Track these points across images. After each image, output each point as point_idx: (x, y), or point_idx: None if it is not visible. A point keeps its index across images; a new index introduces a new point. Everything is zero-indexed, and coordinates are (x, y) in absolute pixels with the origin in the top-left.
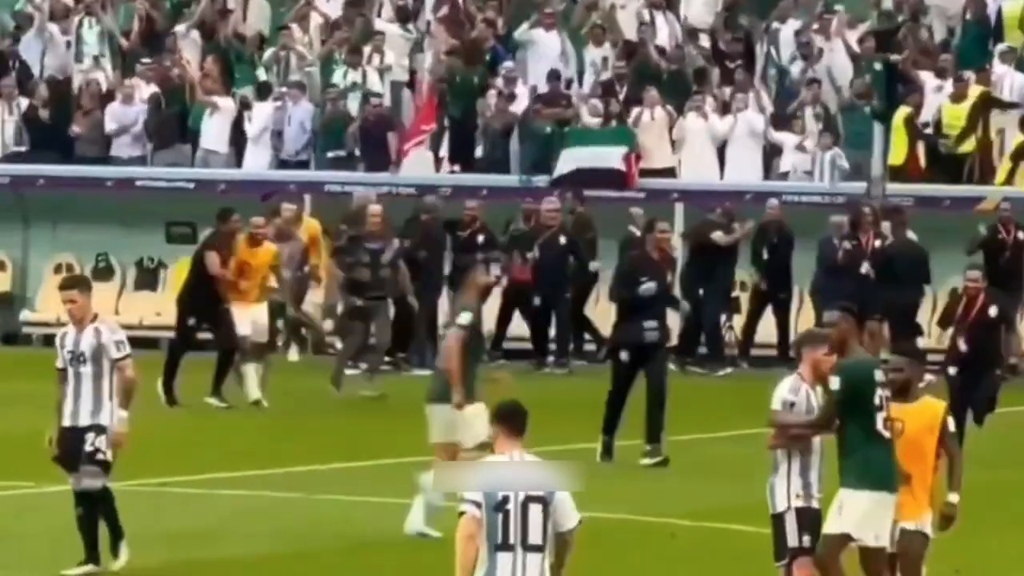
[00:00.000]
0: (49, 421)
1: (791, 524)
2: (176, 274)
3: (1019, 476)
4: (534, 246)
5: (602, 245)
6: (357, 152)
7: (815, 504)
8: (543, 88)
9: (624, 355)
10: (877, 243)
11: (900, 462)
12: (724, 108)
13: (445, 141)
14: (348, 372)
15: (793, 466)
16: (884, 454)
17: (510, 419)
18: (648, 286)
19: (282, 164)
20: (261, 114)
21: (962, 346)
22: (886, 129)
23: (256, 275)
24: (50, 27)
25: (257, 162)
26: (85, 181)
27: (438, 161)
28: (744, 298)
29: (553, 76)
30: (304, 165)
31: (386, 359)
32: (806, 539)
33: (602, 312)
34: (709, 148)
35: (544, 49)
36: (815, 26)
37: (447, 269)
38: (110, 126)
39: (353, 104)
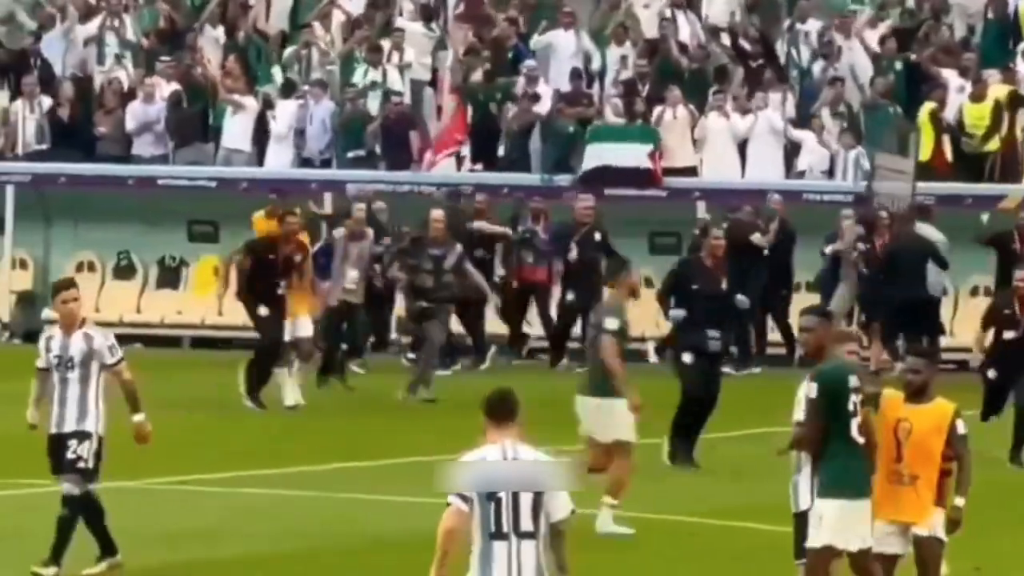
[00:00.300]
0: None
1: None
2: (198, 273)
3: None
4: (570, 244)
5: (627, 243)
6: (378, 150)
7: None
8: (565, 87)
9: (688, 357)
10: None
11: (907, 463)
12: (745, 107)
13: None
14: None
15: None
16: (860, 461)
17: (497, 408)
18: (676, 313)
19: (304, 163)
20: (285, 112)
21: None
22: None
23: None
24: (73, 27)
25: (280, 161)
26: (107, 180)
27: (460, 160)
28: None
29: (575, 75)
30: (327, 164)
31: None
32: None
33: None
34: (731, 147)
35: (564, 50)
36: (835, 23)
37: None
38: (131, 125)
39: (373, 103)
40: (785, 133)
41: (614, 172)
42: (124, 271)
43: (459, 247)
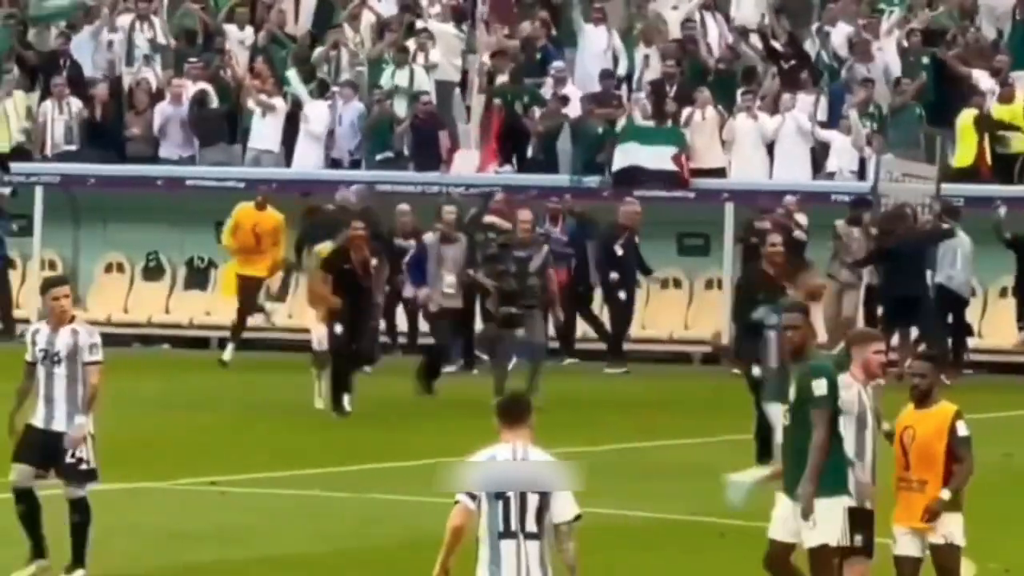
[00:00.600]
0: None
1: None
2: (226, 274)
3: None
4: (615, 246)
5: (656, 244)
6: (406, 151)
7: (868, 504)
8: (593, 87)
9: (757, 371)
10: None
11: (914, 469)
12: (773, 107)
13: (493, 141)
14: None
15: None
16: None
17: (508, 411)
18: (760, 312)
19: (334, 164)
20: (316, 113)
21: None
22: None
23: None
24: (102, 28)
25: (309, 162)
26: (135, 180)
27: (487, 161)
28: None
29: (605, 75)
30: (357, 165)
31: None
32: (857, 538)
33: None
34: (759, 148)
35: (593, 45)
36: (863, 23)
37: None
38: (158, 126)
39: (400, 104)
40: (813, 134)
41: (643, 173)
42: (153, 272)
43: (546, 249)
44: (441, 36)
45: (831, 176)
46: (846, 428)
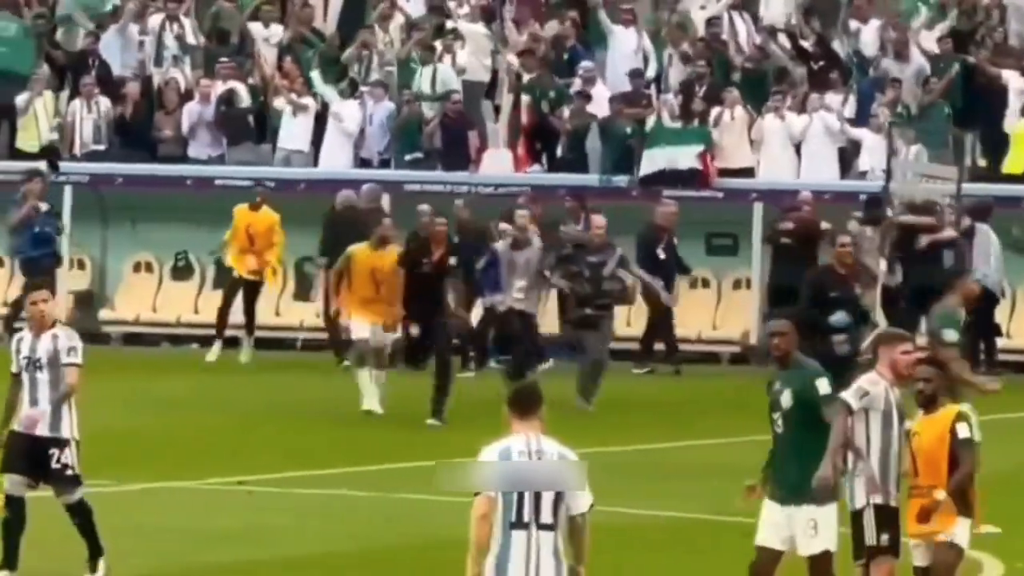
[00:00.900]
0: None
1: (869, 522)
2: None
3: None
4: (657, 249)
5: (684, 244)
6: (437, 145)
7: (893, 502)
8: (623, 88)
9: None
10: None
11: (922, 476)
12: (802, 107)
13: (522, 140)
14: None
15: (874, 462)
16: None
17: (520, 401)
18: (839, 317)
19: (363, 163)
20: (348, 112)
21: None
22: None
23: (387, 283)
24: (130, 27)
25: (337, 162)
26: (164, 180)
27: (517, 161)
28: None
29: (635, 75)
30: (386, 165)
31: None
32: (884, 538)
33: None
34: (787, 148)
35: (623, 46)
36: (893, 24)
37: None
38: (186, 125)
39: (428, 104)
40: (843, 131)
41: (668, 174)
42: (182, 272)
43: (619, 252)
44: (470, 36)
45: (863, 175)
46: (871, 426)
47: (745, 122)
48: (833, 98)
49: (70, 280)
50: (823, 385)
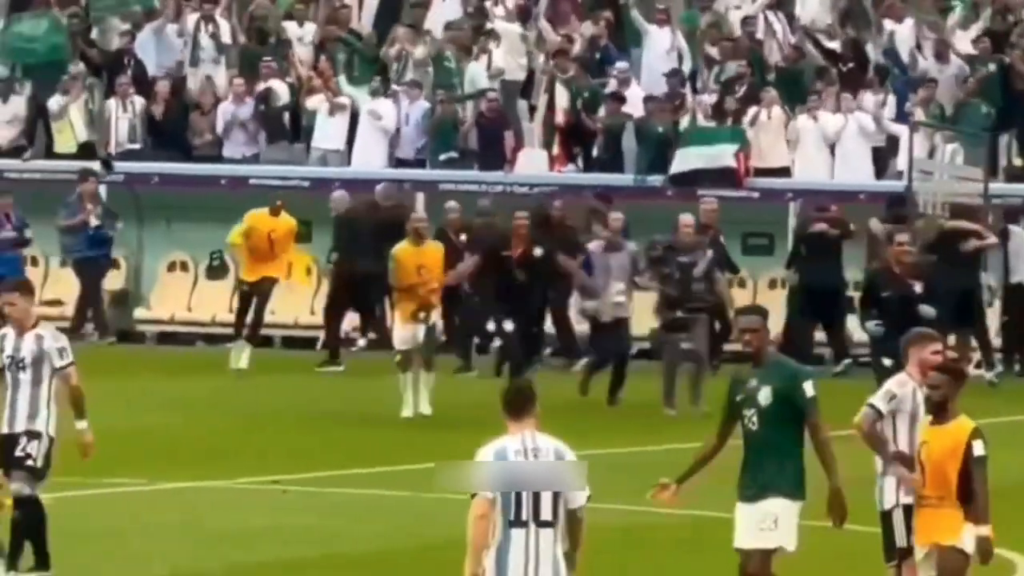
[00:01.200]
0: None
1: (899, 522)
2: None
3: None
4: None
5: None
6: (473, 145)
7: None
8: (658, 88)
9: (888, 362)
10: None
11: (930, 486)
12: (837, 107)
13: (557, 140)
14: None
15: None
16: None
17: (513, 403)
18: (872, 328)
19: (398, 163)
20: (383, 112)
21: None
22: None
23: (433, 275)
24: (166, 27)
25: (375, 160)
26: (199, 179)
27: (552, 160)
28: None
29: (671, 75)
30: (422, 164)
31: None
32: (914, 538)
33: None
34: (822, 148)
35: (657, 46)
36: (929, 23)
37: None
38: (221, 125)
39: (464, 103)
40: (883, 128)
41: (700, 173)
42: (216, 271)
43: (710, 253)
44: (506, 35)
45: (899, 175)
46: (899, 428)
47: (782, 122)
48: (869, 98)
49: (106, 279)
50: (810, 387)
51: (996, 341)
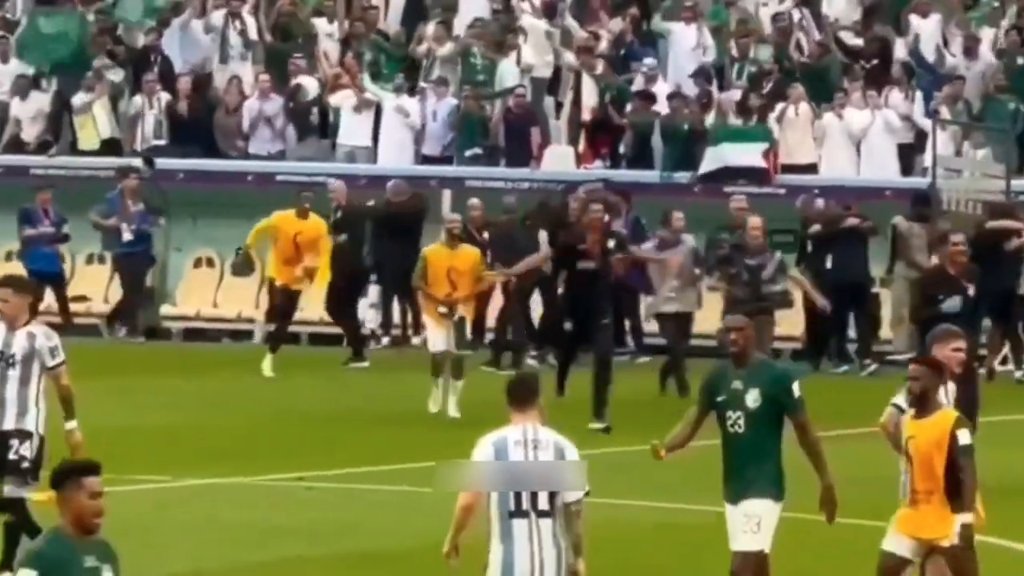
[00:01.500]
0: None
1: None
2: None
3: None
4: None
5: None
6: (501, 143)
7: None
8: (684, 84)
9: None
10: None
11: (919, 479)
12: (863, 104)
13: (584, 136)
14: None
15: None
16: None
17: (517, 394)
18: (952, 302)
19: (425, 159)
20: (409, 109)
21: None
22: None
23: (464, 279)
24: (192, 24)
25: (401, 157)
26: (225, 175)
27: (579, 157)
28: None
29: (698, 73)
30: (449, 161)
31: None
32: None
33: None
34: (849, 144)
35: (682, 42)
36: (956, 20)
37: None
38: (248, 122)
39: (492, 100)
40: (914, 123)
41: (730, 171)
42: (242, 267)
43: (778, 256)
44: (533, 32)
45: (925, 172)
46: None
47: (809, 118)
48: (895, 95)
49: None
50: (796, 388)
51: None
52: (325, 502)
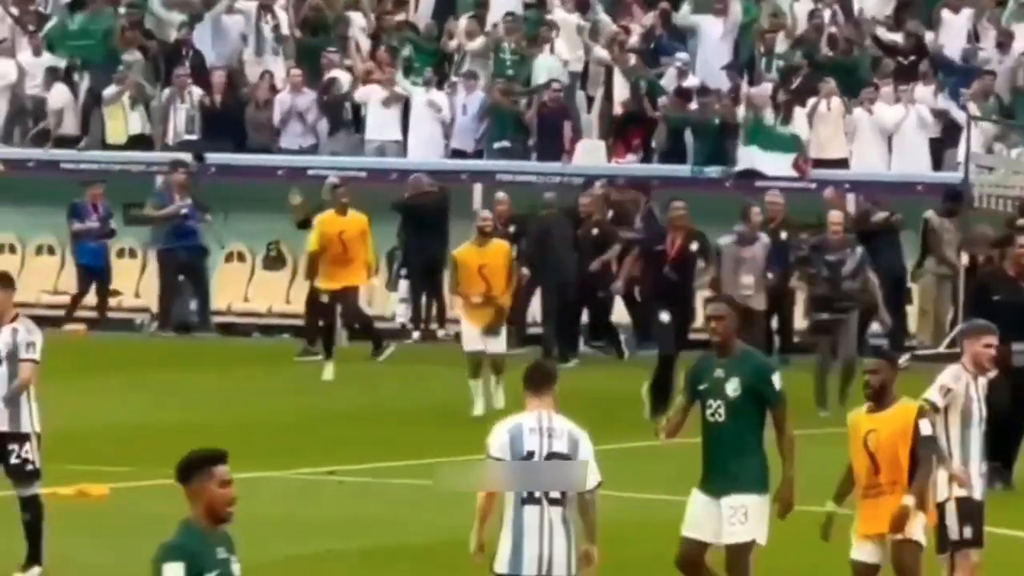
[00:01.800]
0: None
1: (951, 515)
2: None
3: None
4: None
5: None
6: (531, 141)
7: (976, 495)
8: (713, 79)
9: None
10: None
11: (884, 473)
12: (895, 99)
13: (615, 131)
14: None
15: (954, 455)
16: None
17: (533, 379)
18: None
19: (455, 154)
20: (439, 103)
21: None
22: None
23: (496, 277)
24: (224, 18)
25: (432, 151)
26: (256, 170)
27: (610, 151)
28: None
29: (728, 67)
30: (479, 155)
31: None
32: (967, 531)
33: None
34: (880, 139)
35: (712, 36)
36: (988, 15)
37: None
38: (279, 116)
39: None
40: (946, 116)
41: (763, 176)
42: (273, 262)
43: (860, 251)
44: (565, 26)
45: (957, 167)
46: (950, 421)
47: (840, 112)
48: (924, 90)
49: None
50: (777, 380)
51: None
52: (355, 496)
